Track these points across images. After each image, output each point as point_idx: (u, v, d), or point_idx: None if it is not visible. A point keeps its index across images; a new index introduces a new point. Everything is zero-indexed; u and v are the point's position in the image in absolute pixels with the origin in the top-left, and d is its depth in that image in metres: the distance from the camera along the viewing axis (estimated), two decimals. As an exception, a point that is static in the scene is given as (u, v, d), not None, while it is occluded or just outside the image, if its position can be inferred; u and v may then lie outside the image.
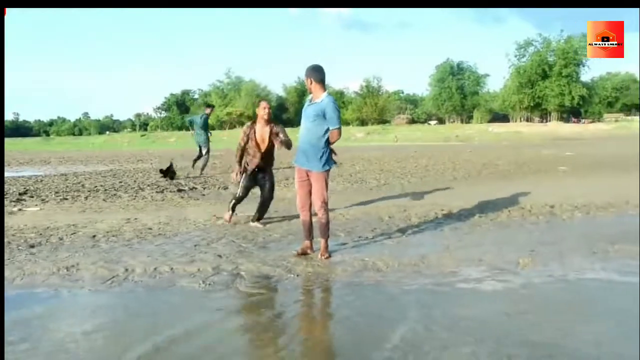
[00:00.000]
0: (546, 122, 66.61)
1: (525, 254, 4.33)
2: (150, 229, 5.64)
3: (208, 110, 12.22)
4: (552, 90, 65.23)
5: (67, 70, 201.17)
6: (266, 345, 2.77)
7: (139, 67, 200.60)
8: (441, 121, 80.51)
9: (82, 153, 29.71)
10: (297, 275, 3.88)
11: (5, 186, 9.80)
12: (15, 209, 7.17)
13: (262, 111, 5.43)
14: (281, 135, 5.36)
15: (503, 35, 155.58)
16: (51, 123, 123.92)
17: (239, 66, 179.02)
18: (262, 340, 2.85)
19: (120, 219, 6.20)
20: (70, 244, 4.92)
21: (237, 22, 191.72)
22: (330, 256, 4.31)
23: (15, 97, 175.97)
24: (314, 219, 4.44)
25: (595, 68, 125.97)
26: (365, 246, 4.76)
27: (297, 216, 4.72)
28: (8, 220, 6.12)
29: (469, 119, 79.96)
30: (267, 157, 5.67)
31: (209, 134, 11.97)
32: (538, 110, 70.09)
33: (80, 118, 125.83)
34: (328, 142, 4.24)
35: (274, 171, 6.03)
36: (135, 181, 10.86)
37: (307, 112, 4.27)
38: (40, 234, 5.36)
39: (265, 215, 5.91)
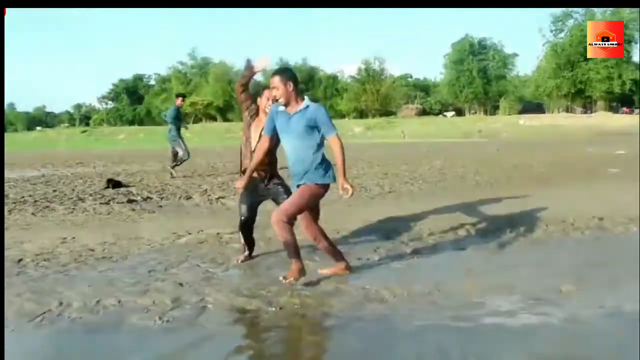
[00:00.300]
0: (591, 112, 67.44)
1: (568, 280, 4.32)
2: (93, 250, 5.59)
3: (179, 101, 13.17)
4: (597, 73, 66.06)
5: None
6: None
7: (77, 46, 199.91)
8: (459, 112, 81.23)
9: (5, 154, 29.43)
10: (280, 309, 3.86)
11: None
12: None
13: (267, 102, 5.10)
14: None
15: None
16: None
17: (206, 45, 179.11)
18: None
19: (54, 238, 6.14)
20: (-12, 271, 4.84)
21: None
22: (296, 280, 4.20)
23: None
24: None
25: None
26: (366, 270, 4.74)
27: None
28: None
29: (494, 109, 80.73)
30: (272, 158, 5.32)
31: (185, 127, 13.32)
32: (580, 98, 71.04)
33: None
34: (324, 156, 4.28)
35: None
36: (73, 190, 10.77)
37: (291, 125, 4.23)
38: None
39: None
